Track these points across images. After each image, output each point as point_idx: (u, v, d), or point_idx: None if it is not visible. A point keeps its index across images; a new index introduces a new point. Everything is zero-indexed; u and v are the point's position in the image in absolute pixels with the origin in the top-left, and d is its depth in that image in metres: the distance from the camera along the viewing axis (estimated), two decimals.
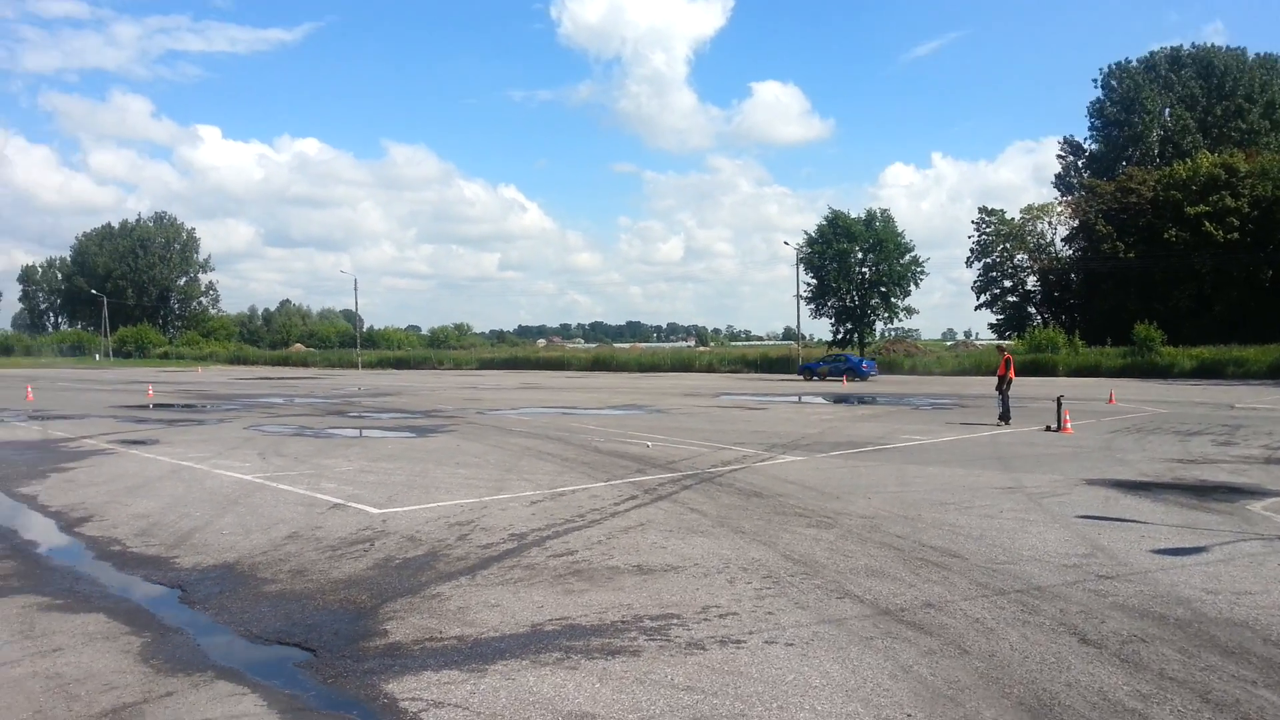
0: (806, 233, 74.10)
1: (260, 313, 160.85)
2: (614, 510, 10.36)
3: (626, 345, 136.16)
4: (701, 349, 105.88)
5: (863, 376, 50.09)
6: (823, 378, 51.04)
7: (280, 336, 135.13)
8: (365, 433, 20.02)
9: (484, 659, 5.47)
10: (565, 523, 9.60)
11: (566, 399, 33.54)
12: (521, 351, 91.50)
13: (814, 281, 73.41)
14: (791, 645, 5.68)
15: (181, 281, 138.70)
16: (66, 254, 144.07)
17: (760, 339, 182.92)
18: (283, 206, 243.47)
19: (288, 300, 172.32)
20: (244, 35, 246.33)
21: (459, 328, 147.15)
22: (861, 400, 32.73)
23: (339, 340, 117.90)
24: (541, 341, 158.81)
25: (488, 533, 9.12)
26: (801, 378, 52.85)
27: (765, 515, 9.97)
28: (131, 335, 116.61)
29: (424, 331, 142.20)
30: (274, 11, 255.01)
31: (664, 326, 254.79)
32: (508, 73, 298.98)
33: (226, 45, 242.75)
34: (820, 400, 32.86)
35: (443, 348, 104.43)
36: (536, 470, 13.62)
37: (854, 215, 71.60)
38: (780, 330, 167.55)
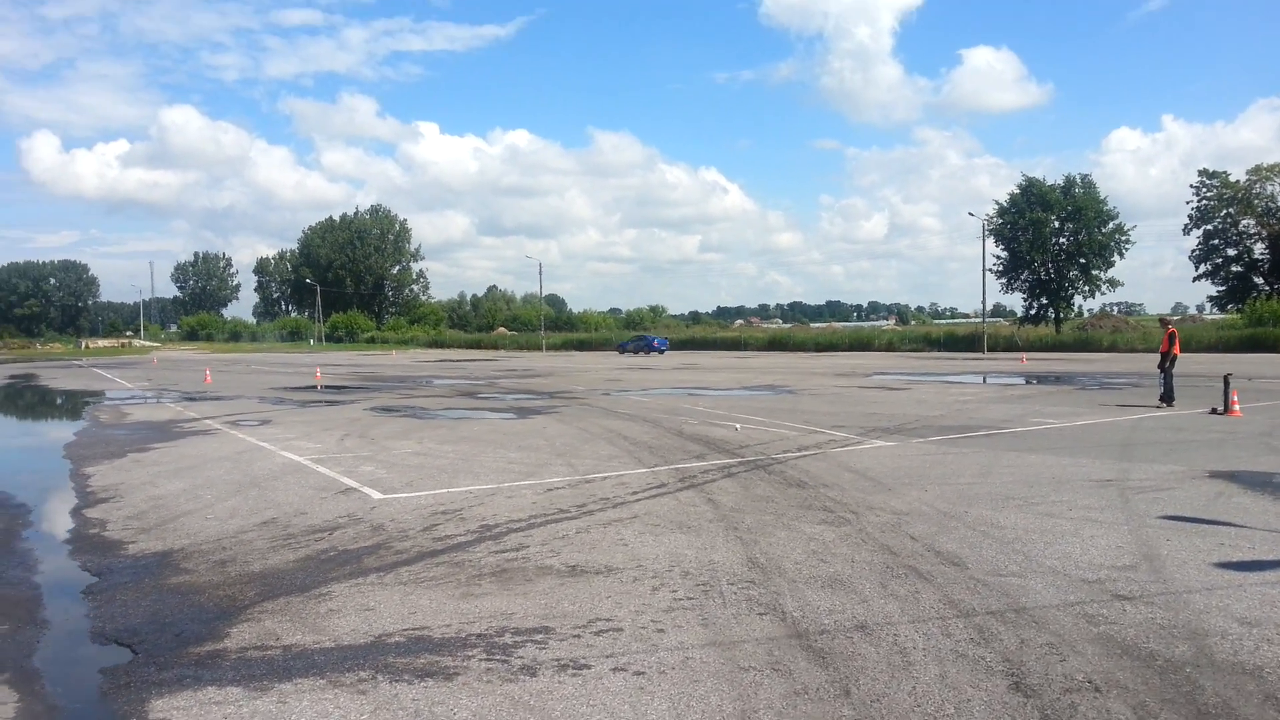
0: (997, 203, 69.40)
1: (469, 298, 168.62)
2: (621, 500, 9.48)
3: (823, 325, 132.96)
4: (887, 327, 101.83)
5: (659, 352, 64.85)
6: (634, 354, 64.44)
7: (486, 321, 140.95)
8: (470, 414, 19.92)
9: (285, 675, 4.79)
10: (555, 514, 8.83)
11: (708, 379, 32.67)
12: (701, 332, 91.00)
13: (1005, 254, 68.73)
14: (641, 674, 4.67)
15: (395, 270, 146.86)
16: (295, 246, 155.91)
17: (967, 316, 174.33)
18: (495, 196, 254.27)
19: (494, 286, 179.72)
20: (461, 33, 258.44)
21: (654, 309, 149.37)
22: (1031, 380, 29.98)
23: (540, 323, 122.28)
24: (739, 322, 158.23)
25: (462, 523, 8.47)
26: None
27: (781, 510, 8.80)
28: (343, 321, 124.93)
29: (623, 314, 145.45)
30: (490, 8, 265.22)
31: (864, 305, 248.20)
32: (710, 55, 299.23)
33: (445, 43, 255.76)
34: (988, 380, 30.35)
35: (636, 329, 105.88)
36: (591, 454, 12.89)
37: (1050, 183, 66.27)
38: (990, 306, 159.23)
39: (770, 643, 5.10)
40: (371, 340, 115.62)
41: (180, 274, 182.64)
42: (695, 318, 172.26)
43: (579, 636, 5.28)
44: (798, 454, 12.71)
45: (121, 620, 5.80)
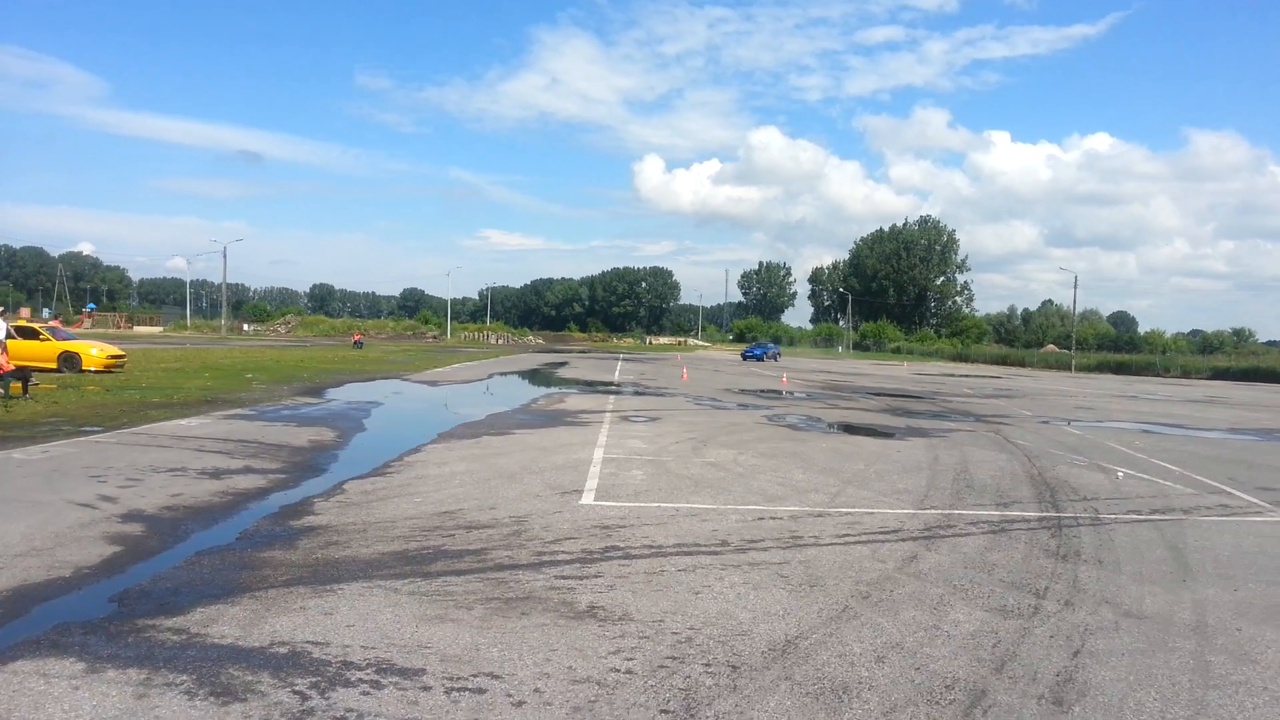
0: None
1: (1019, 312, 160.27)
2: (820, 541, 8.19)
3: None
4: None
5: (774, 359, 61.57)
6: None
7: (1035, 337, 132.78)
8: (832, 433, 18.75)
9: None
10: (713, 546, 7.91)
11: (1211, 416, 26.92)
12: (1265, 361, 75.16)
13: None
14: None
15: (938, 281, 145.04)
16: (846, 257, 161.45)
17: None
18: (1067, 205, 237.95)
19: (1049, 300, 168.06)
20: (1046, 35, 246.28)
21: (1237, 333, 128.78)
22: None
23: (1096, 343, 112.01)
24: None
25: (587, 539, 7.96)
26: None
27: (982, 594, 6.89)
28: (872, 330, 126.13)
29: (1198, 336, 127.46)
30: (1081, 6, 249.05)
31: None
32: None
33: (1028, 48, 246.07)
34: None
35: (1214, 353, 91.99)
36: (889, 487, 11.38)
37: None
38: None
39: None
40: (897, 350, 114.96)
41: (746, 281, 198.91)
42: None
43: (425, 687, 4.59)
44: (1145, 517, 9.89)
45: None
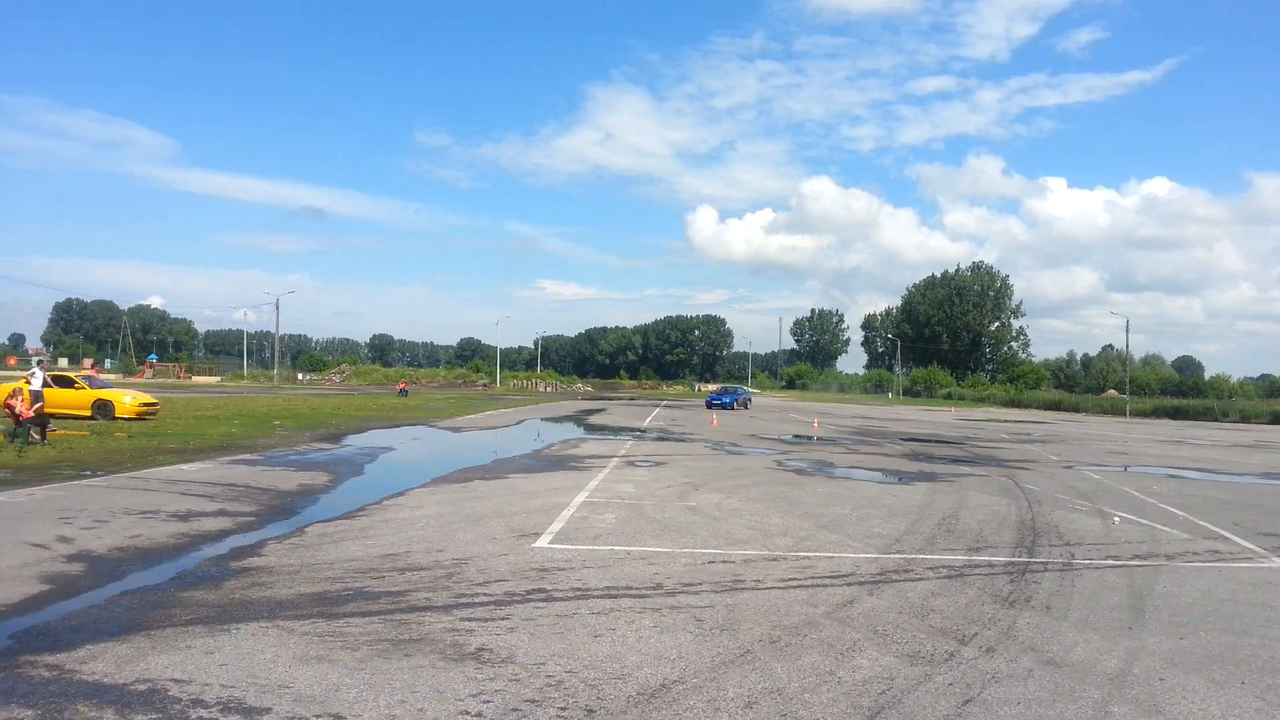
0: None
1: (1079, 358, 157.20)
2: (761, 585, 8.01)
3: None
4: None
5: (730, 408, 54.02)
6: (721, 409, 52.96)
7: (1095, 382, 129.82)
8: (850, 473, 18.40)
9: None
10: (644, 590, 7.77)
11: (1240, 461, 25.89)
12: None
13: None
14: None
15: (993, 326, 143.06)
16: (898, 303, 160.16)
17: None
18: (1127, 250, 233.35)
19: (1109, 345, 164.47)
20: (1100, 83, 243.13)
21: None
22: None
23: (1159, 388, 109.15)
24: None
25: (517, 581, 7.87)
26: None
27: (900, 640, 6.66)
28: (922, 376, 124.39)
29: (1268, 379, 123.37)
30: (1133, 54, 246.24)
31: None
32: None
33: (1082, 95, 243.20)
34: None
35: (1276, 398, 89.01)
36: (864, 531, 11.14)
37: None
38: None
39: None
40: (948, 396, 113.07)
41: (798, 329, 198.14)
42: None
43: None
44: (1122, 563, 9.52)
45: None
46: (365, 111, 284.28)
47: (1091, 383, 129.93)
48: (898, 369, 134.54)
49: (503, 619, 6.65)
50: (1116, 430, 46.33)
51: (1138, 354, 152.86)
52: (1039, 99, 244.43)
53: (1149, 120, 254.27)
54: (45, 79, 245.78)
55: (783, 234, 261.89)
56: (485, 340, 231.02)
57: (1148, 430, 47.81)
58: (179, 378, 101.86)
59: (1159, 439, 38.03)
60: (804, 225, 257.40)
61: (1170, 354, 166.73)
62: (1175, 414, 76.07)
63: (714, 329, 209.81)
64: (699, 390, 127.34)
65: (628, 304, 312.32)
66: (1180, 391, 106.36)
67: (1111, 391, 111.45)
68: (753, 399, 71.89)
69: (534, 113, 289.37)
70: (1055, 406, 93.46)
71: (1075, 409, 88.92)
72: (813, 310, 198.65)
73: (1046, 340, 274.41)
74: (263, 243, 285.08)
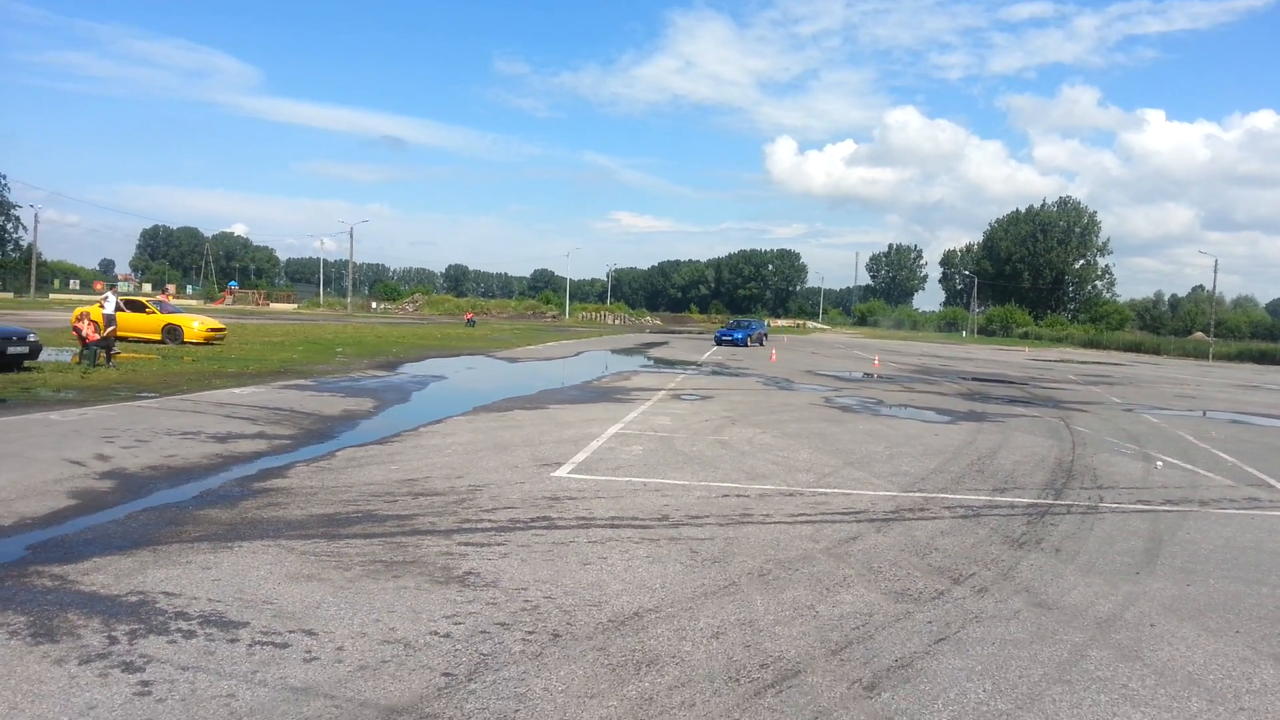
0: None
1: (1167, 299, 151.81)
2: (768, 520, 8.00)
3: None
4: None
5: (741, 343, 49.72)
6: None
7: (1183, 324, 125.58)
8: (900, 411, 18.15)
9: None
10: (649, 521, 7.84)
11: None
12: None
13: None
14: None
15: (1077, 265, 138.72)
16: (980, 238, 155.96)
17: None
18: (1227, 187, 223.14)
19: (1199, 286, 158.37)
20: (1207, 9, 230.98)
21: None
22: None
23: (1249, 331, 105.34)
24: None
25: (525, 509, 7.99)
26: None
27: (893, 577, 6.62)
28: (999, 314, 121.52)
29: None
30: None
31: None
32: None
33: (1187, 23, 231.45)
34: None
35: None
36: (892, 470, 11.05)
37: None
38: None
39: None
40: (1025, 335, 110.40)
41: (874, 264, 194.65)
42: None
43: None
44: (1151, 508, 9.27)
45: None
46: (445, 40, 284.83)
47: (1178, 324, 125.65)
48: (974, 307, 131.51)
49: (499, 545, 6.76)
50: (1191, 373, 44.78)
51: (1231, 295, 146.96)
52: (1141, 26, 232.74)
53: (1257, 48, 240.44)
54: (134, 7, 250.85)
55: (864, 166, 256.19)
56: (559, 272, 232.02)
57: (1225, 374, 46.12)
58: (257, 304, 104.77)
59: (1235, 383, 36.69)
60: (886, 157, 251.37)
61: (1266, 296, 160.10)
62: (1262, 358, 73.24)
63: (788, 264, 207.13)
64: (769, 325, 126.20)
65: (703, 237, 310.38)
66: (1272, 335, 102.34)
67: (1199, 334, 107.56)
68: (768, 334, 64.83)
69: (613, 40, 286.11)
70: (1135, 348, 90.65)
71: (1156, 351, 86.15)
72: (890, 245, 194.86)
73: (1135, 279, 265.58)
74: (343, 171, 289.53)
